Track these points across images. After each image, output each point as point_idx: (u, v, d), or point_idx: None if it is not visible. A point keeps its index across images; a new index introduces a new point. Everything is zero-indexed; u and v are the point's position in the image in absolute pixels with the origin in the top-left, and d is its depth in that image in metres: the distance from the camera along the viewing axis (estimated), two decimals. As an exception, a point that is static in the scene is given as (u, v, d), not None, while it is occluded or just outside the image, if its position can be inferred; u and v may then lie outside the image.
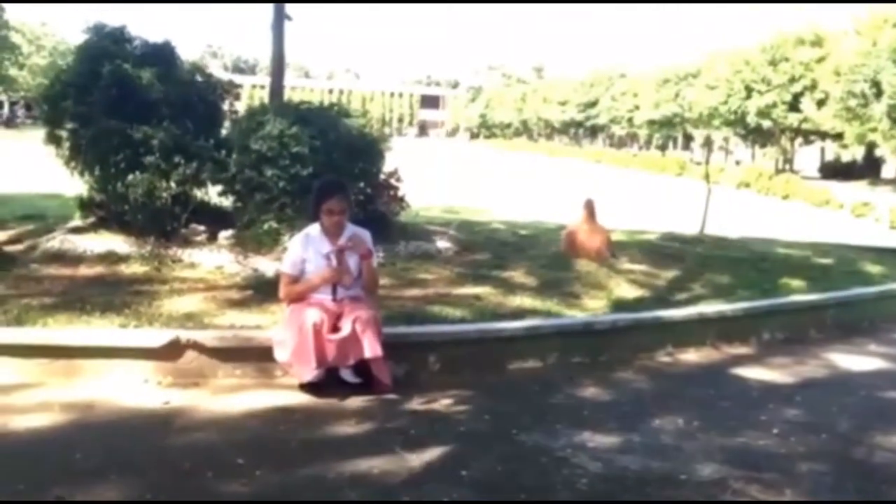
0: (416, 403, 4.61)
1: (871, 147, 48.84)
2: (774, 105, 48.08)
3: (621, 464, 3.90)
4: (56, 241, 6.77)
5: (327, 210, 4.69)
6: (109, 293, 5.57)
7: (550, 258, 7.76)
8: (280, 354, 4.64)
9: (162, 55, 7.55)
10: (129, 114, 6.85)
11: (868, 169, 50.41)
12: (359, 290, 4.80)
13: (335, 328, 4.53)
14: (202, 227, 7.02)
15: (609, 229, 8.21)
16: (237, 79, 12.85)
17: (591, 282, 6.94)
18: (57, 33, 67.11)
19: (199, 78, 7.74)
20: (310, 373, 4.56)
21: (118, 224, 6.97)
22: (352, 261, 4.76)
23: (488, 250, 8.05)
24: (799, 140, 53.92)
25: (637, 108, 67.30)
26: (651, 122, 65.99)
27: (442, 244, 7.80)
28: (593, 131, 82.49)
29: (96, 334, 4.80)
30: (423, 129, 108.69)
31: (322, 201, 4.71)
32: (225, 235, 6.92)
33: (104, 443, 3.90)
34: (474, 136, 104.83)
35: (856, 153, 53.69)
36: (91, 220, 7.27)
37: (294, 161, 6.84)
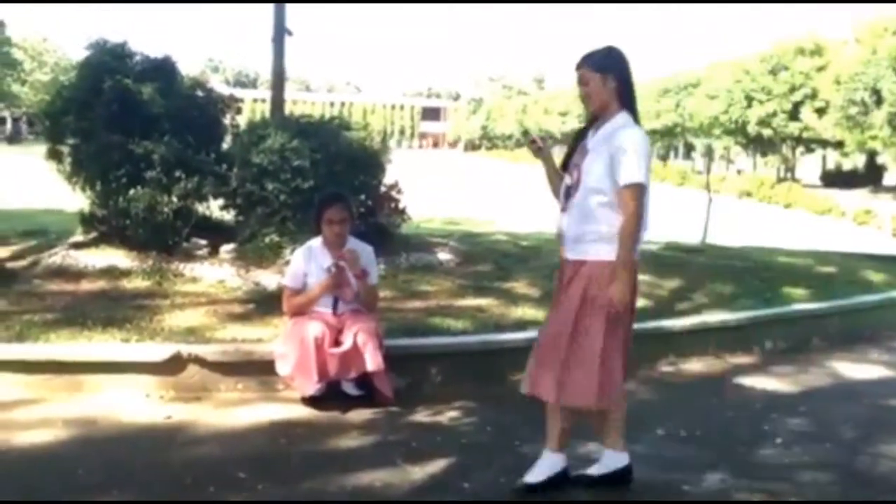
0: (418, 416, 4.60)
1: (872, 155, 48.92)
2: (775, 114, 48.12)
3: (624, 475, 3.89)
4: (58, 256, 6.77)
5: (328, 220, 4.70)
6: (111, 308, 5.57)
7: (552, 269, 7.71)
8: (282, 368, 4.64)
9: (163, 70, 7.58)
10: (130, 129, 6.87)
11: (870, 177, 50.43)
12: (360, 304, 4.80)
13: (337, 342, 4.53)
14: (204, 242, 7.02)
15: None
16: (238, 92, 12.85)
17: (592, 292, 6.91)
18: (59, 49, 67.46)
19: (199, 92, 7.76)
20: (312, 386, 4.55)
21: (120, 239, 6.98)
22: (353, 278, 4.76)
23: (490, 261, 8.04)
24: (800, 149, 53.95)
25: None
26: (652, 132, 65.94)
27: (443, 256, 7.79)
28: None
29: (98, 349, 4.81)
30: (437, 141, 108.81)
31: (322, 211, 4.73)
32: (226, 249, 6.93)
33: (106, 458, 3.90)
34: (475, 147, 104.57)
35: (857, 161, 53.78)
36: (93, 235, 7.27)
37: (295, 174, 6.85)
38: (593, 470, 3.70)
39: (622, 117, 3.47)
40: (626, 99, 3.50)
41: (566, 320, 3.44)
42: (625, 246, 3.37)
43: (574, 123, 77.85)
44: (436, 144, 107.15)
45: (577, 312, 3.41)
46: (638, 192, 3.38)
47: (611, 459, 3.68)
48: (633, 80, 3.56)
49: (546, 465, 3.62)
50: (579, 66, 3.52)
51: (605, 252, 3.40)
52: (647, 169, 3.42)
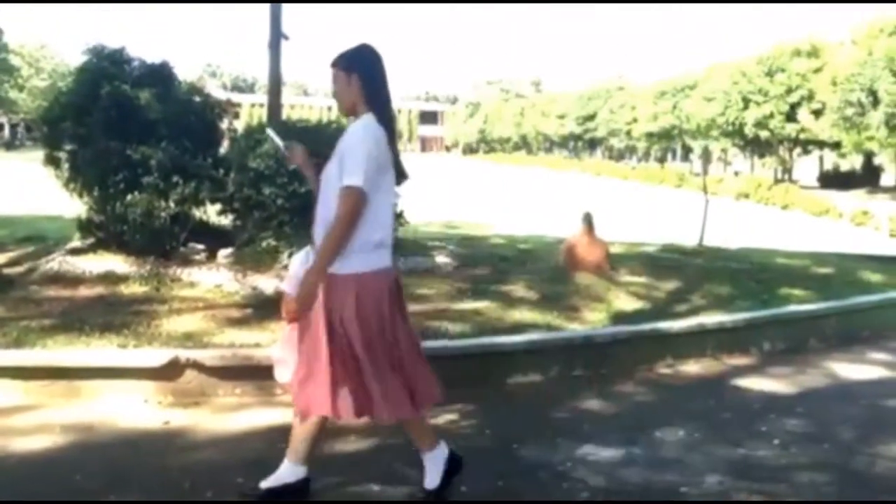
0: (416, 419, 4.60)
1: (869, 156, 49.00)
2: (772, 116, 48.23)
3: (622, 477, 3.90)
4: (55, 262, 6.78)
5: None
6: (109, 314, 5.58)
7: (550, 272, 7.77)
8: (280, 374, 4.61)
9: (160, 76, 7.59)
10: (127, 134, 6.88)
11: (867, 178, 50.52)
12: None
13: (334, 347, 4.53)
14: (201, 246, 7.03)
15: (608, 242, 8.23)
16: (236, 97, 12.91)
17: (590, 295, 6.94)
18: (56, 55, 67.41)
19: (196, 98, 7.77)
20: (310, 392, 4.54)
21: (117, 244, 6.98)
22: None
23: (488, 265, 8.05)
24: (797, 150, 54.04)
25: (635, 120, 67.45)
26: (649, 135, 66.12)
27: (441, 259, 7.80)
28: (592, 144, 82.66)
29: (96, 355, 4.81)
30: (426, 144, 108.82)
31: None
32: (224, 254, 6.93)
33: (105, 463, 3.90)
34: (473, 150, 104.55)
35: (854, 162, 53.86)
36: (90, 240, 7.28)
37: (292, 179, 6.85)
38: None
39: (365, 118, 3.29)
40: (374, 100, 3.31)
41: (318, 337, 3.28)
42: (324, 248, 3.17)
43: (573, 126, 78.16)
44: (427, 148, 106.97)
45: (326, 328, 3.25)
46: (352, 195, 3.12)
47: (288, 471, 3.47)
48: (384, 80, 3.37)
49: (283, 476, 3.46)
50: (332, 65, 3.38)
51: (346, 265, 3.22)
52: (372, 171, 3.16)
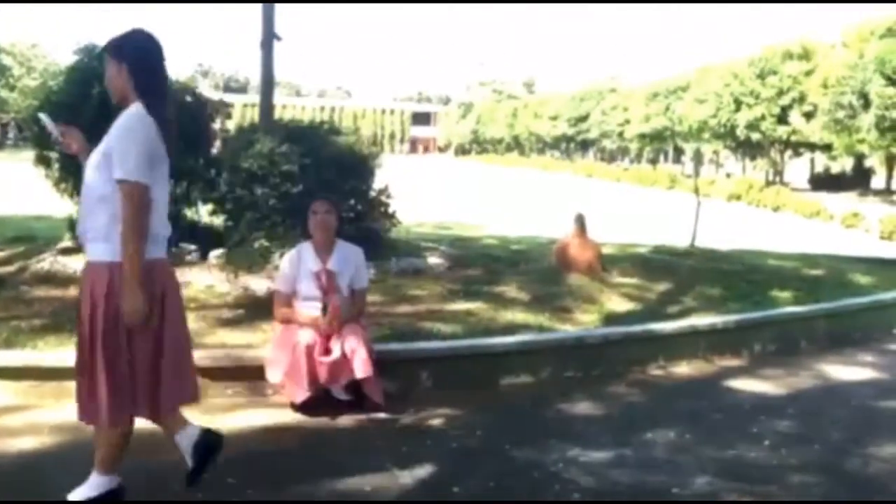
0: (408, 420, 4.61)
1: (859, 158, 49.21)
2: (763, 118, 48.34)
3: (613, 478, 3.91)
4: (46, 262, 6.75)
5: (313, 211, 4.74)
6: (100, 314, 5.54)
7: (542, 273, 7.77)
8: (272, 375, 4.63)
9: (151, 75, 7.56)
10: (118, 134, 6.85)
11: (857, 180, 50.74)
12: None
13: (326, 350, 4.53)
14: (193, 247, 7.00)
15: (600, 243, 8.24)
16: (228, 97, 12.81)
17: (582, 296, 6.95)
18: (48, 55, 67.11)
19: (188, 98, 7.74)
20: (302, 394, 4.54)
21: (108, 245, 6.94)
22: (343, 283, 4.75)
23: (480, 265, 8.05)
24: (788, 152, 54.22)
25: (627, 122, 67.52)
26: (641, 136, 66.19)
27: (433, 260, 7.80)
28: (584, 145, 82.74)
29: (86, 355, 4.77)
30: (414, 146, 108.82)
31: (309, 208, 4.77)
32: (215, 255, 6.91)
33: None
34: (465, 151, 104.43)
35: (845, 164, 54.10)
36: (81, 240, 7.24)
37: (284, 179, 6.85)
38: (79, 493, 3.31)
39: (133, 108, 3.19)
40: (144, 89, 3.20)
41: (83, 332, 3.15)
42: (125, 252, 3.03)
43: (565, 127, 78.27)
44: (414, 150, 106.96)
45: (89, 321, 3.11)
46: (134, 191, 3.05)
47: (99, 481, 3.32)
48: (158, 67, 3.29)
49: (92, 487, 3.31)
50: (103, 50, 3.26)
51: (103, 251, 3.11)
52: (144, 163, 3.08)
